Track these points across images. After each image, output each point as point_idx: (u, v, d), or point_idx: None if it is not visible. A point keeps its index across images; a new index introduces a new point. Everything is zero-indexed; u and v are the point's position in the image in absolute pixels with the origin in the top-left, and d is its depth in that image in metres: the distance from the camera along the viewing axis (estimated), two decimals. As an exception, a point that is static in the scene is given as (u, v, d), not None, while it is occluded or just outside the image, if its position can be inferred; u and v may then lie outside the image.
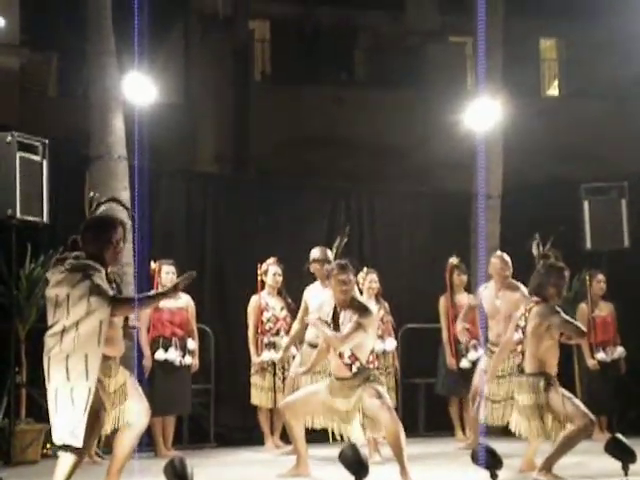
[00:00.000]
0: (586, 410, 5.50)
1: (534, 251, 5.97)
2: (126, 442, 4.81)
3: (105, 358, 4.55)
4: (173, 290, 4.72)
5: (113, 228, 4.73)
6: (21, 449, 6.79)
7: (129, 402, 4.74)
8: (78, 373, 4.39)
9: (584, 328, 5.88)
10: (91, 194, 5.18)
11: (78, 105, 8.27)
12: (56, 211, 7.59)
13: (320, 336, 6.01)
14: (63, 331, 4.44)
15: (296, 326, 7.31)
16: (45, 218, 7.32)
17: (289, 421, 5.77)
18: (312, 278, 7.33)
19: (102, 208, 5.00)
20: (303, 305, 7.21)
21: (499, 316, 6.96)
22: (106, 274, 4.63)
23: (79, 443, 4.38)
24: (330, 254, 7.22)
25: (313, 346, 6.74)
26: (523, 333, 5.68)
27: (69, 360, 4.41)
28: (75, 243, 4.72)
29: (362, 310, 5.61)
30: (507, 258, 7.21)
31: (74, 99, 8.32)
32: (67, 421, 4.39)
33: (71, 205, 7.87)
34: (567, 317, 5.68)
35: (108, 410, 4.60)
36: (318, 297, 7.00)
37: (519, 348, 5.72)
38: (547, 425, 5.50)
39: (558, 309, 5.67)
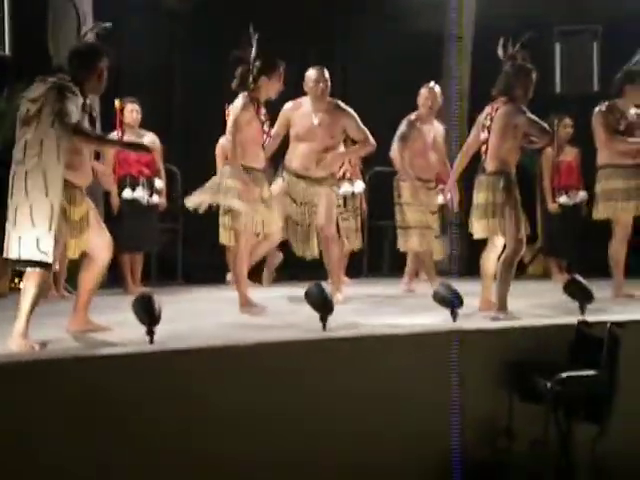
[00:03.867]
0: (521, 231, 5.63)
1: (499, 52, 5.88)
2: (89, 276, 4.89)
3: (70, 185, 4.58)
4: (138, 148, 5.25)
5: (99, 56, 4.75)
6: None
7: (91, 234, 4.79)
8: (38, 189, 4.40)
9: (549, 129, 5.96)
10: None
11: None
12: (20, 44, 7.36)
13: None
14: (25, 146, 4.45)
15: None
16: (7, 50, 7.10)
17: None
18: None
19: (89, 36, 4.97)
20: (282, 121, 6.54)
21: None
22: (84, 104, 4.62)
23: (48, 259, 4.41)
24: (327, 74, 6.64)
25: (300, 177, 6.49)
26: (488, 132, 5.72)
27: (28, 176, 4.42)
28: (60, 69, 4.70)
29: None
30: (437, 90, 7.25)
31: None
32: (30, 238, 4.40)
33: (35, 38, 7.65)
34: (534, 117, 5.69)
35: (68, 238, 4.65)
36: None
37: (483, 148, 5.77)
38: (501, 224, 5.62)
39: (525, 109, 5.69)
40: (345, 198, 7.84)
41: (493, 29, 9.15)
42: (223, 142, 7.40)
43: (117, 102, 7.39)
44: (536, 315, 5.64)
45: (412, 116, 7.37)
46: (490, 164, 5.72)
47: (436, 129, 7.46)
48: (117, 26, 8.09)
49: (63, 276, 7.04)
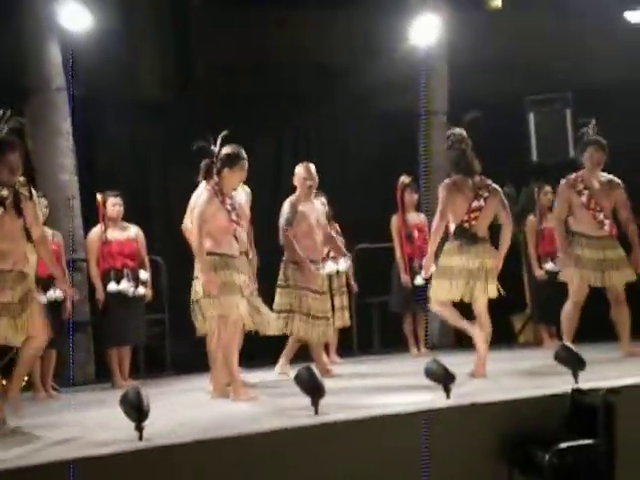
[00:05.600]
0: None
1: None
2: (24, 353, 5.10)
3: None
4: None
5: (7, 149, 4.96)
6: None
7: (30, 315, 5.01)
8: None
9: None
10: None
11: (11, 36, 7.99)
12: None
13: None
14: None
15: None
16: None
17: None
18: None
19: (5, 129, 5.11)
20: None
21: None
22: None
23: None
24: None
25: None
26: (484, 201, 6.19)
27: None
28: None
29: None
30: (312, 168, 7.00)
31: (6, 30, 8.03)
32: None
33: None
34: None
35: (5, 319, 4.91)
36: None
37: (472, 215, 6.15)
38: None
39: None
40: (330, 277, 7.84)
41: (468, 102, 9.39)
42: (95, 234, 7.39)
43: (99, 196, 7.42)
44: (529, 384, 5.58)
45: (293, 198, 6.99)
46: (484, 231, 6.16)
47: (317, 207, 7.12)
48: (96, 120, 8.35)
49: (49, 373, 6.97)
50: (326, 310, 6.96)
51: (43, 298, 6.58)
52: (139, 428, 4.09)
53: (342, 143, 9.73)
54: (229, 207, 5.79)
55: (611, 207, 6.84)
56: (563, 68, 9.89)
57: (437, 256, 6.29)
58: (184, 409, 5.54)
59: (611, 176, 6.88)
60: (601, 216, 6.77)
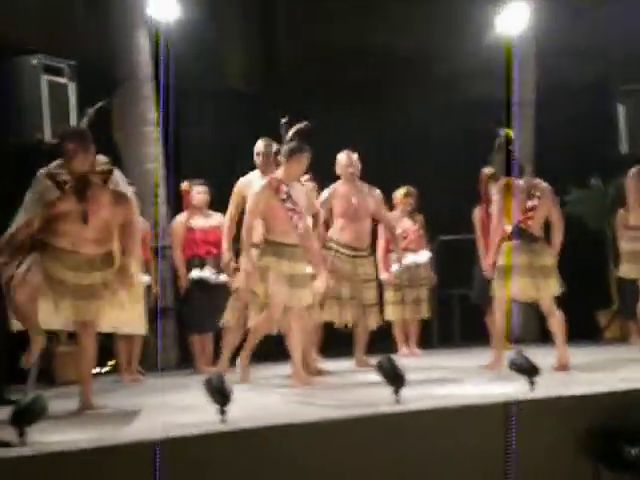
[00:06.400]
0: None
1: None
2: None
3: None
4: None
5: (65, 138, 5.12)
6: (62, 370, 6.91)
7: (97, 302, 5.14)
8: None
9: None
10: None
11: (101, 25, 8.14)
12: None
13: None
14: None
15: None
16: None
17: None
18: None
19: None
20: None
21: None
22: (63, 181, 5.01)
23: None
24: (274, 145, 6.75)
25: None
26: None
27: None
28: None
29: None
30: (353, 156, 6.99)
31: (96, 19, 8.18)
32: None
33: (100, 128, 7.82)
34: None
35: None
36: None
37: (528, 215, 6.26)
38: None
39: None
40: (410, 269, 7.85)
41: (556, 91, 9.24)
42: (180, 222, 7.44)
43: (185, 184, 7.51)
44: (616, 378, 5.47)
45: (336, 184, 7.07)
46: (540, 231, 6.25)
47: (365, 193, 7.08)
48: (183, 110, 8.45)
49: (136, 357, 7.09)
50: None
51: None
52: (222, 411, 4.14)
53: (425, 131, 9.64)
54: (284, 196, 5.83)
55: None
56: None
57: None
58: (261, 397, 5.58)
59: None
60: None
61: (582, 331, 8.55)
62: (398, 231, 7.78)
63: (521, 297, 6.33)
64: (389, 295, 8.07)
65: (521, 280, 6.16)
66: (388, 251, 7.89)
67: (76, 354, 5.29)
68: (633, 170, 6.76)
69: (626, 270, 6.82)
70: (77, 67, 7.10)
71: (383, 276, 7.85)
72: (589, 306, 8.93)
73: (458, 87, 9.42)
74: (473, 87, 9.26)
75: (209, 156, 8.95)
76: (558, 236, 6.31)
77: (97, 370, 7.41)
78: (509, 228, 6.26)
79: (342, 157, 7.08)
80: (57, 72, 6.97)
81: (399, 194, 8.15)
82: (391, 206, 8.08)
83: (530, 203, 6.24)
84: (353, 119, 9.50)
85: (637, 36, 8.80)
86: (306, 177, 7.25)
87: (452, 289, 8.81)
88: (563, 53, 9.25)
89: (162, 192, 8.19)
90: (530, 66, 9.22)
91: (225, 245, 6.50)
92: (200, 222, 7.46)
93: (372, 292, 7.03)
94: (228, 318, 6.65)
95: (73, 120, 7.05)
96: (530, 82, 9.23)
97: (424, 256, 8.07)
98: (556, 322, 6.17)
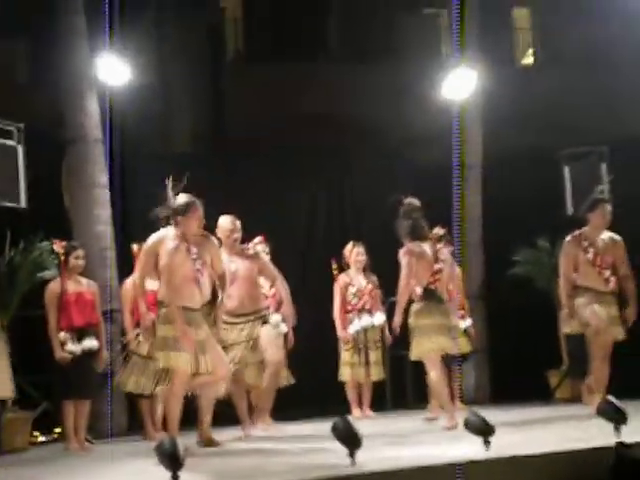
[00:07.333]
0: None
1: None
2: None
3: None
4: None
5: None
6: (9, 437, 6.72)
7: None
8: None
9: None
10: None
11: (50, 89, 8.14)
12: (35, 197, 7.49)
13: None
14: None
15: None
16: (23, 203, 7.22)
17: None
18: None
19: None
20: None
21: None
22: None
23: None
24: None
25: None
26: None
27: None
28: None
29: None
30: (237, 222, 6.81)
31: (46, 83, 8.18)
32: None
33: (49, 190, 7.78)
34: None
35: None
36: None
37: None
38: None
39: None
40: (365, 330, 7.88)
41: (501, 157, 9.43)
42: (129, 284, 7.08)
43: (135, 247, 7.43)
44: (571, 438, 5.46)
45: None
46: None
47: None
48: (131, 172, 8.42)
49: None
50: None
51: (78, 347, 6.57)
52: (175, 477, 4.04)
53: (374, 196, 9.71)
54: (194, 255, 5.81)
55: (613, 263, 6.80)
56: (595, 123, 9.91)
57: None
58: (216, 457, 5.48)
59: (611, 233, 6.86)
60: (607, 273, 6.73)
61: (533, 391, 8.61)
62: (352, 290, 7.97)
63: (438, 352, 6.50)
64: (344, 356, 8.05)
65: (435, 337, 6.40)
66: (346, 311, 7.92)
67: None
68: (566, 238, 6.92)
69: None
70: (26, 130, 7.07)
71: (340, 334, 7.92)
72: (539, 366, 8.98)
73: (408, 152, 9.54)
74: (421, 153, 9.40)
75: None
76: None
77: (42, 439, 7.27)
78: (419, 289, 6.46)
79: (226, 222, 6.77)
80: (6, 135, 6.94)
81: (347, 249, 8.20)
82: (342, 265, 8.14)
83: (437, 266, 6.48)
84: (302, 184, 9.57)
85: (580, 99, 9.05)
86: (258, 239, 7.26)
87: (404, 350, 8.78)
88: (509, 117, 9.46)
89: (111, 254, 8.11)
90: (476, 130, 9.39)
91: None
92: (154, 285, 7.36)
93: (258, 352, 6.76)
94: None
95: (21, 182, 7.01)
96: (477, 145, 9.39)
97: (379, 318, 8.08)
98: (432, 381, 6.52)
